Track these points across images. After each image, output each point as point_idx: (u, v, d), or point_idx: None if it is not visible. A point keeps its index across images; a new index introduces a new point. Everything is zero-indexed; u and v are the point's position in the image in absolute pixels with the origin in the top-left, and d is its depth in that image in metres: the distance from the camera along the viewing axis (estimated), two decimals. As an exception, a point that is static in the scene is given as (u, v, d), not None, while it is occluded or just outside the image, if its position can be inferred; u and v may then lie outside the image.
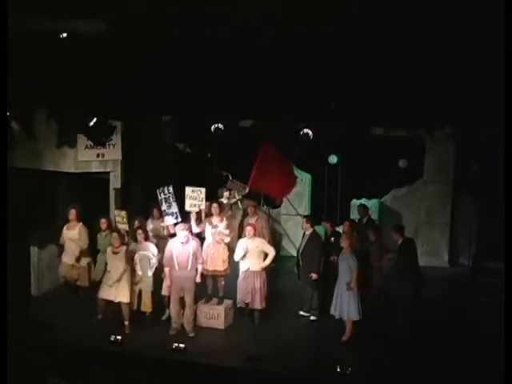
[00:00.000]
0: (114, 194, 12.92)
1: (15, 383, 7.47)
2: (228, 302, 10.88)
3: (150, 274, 10.59)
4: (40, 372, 8.71)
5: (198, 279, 10.40)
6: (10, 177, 7.45)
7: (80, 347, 9.67)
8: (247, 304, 10.76)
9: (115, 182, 13.04)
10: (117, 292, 10.36)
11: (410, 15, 7.88)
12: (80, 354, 9.46)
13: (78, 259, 11.56)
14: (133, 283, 10.52)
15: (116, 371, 9.17)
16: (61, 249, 11.86)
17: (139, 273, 10.57)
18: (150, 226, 11.47)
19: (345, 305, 10.03)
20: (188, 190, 11.19)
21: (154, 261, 10.59)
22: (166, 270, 10.40)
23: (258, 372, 9.04)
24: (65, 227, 11.67)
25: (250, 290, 10.62)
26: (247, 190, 13.58)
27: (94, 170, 12.89)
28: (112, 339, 9.71)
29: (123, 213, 11.55)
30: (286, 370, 9.24)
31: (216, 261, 10.81)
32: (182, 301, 10.38)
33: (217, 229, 10.91)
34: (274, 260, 11.00)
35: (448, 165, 13.78)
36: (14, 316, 7.54)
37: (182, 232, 10.21)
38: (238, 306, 10.85)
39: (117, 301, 10.39)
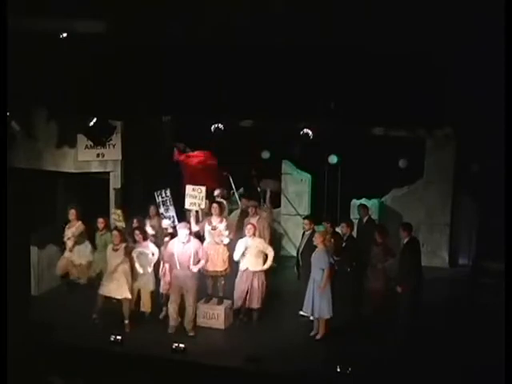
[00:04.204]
0: (114, 194, 12.93)
1: (15, 383, 7.47)
2: (228, 302, 10.87)
3: (150, 270, 10.56)
4: (40, 372, 8.71)
5: (195, 269, 10.27)
6: (10, 177, 7.45)
7: (80, 347, 9.66)
8: (243, 304, 10.70)
9: (115, 182, 13.05)
10: (118, 289, 10.33)
11: (411, 15, 7.88)
12: (80, 354, 9.46)
13: (71, 248, 11.55)
14: (132, 280, 10.49)
15: (116, 371, 9.17)
16: (62, 247, 11.86)
17: (139, 270, 10.51)
18: (147, 225, 11.42)
19: (316, 303, 10.07)
20: (188, 188, 11.22)
21: (151, 256, 10.56)
22: (167, 266, 10.36)
23: (258, 372, 9.05)
24: (67, 226, 11.72)
25: (248, 289, 10.60)
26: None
27: (93, 170, 12.90)
28: (112, 339, 9.74)
29: (118, 211, 11.64)
30: (286, 370, 9.24)
31: (216, 261, 10.81)
32: (181, 300, 10.33)
33: (216, 229, 10.91)
34: (274, 260, 11.01)
35: (448, 165, 13.77)
36: (14, 316, 7.54)
37: (183, 231, 10.16)
38: (235, 307, 10.78)
39: (118, 297, 10.36)
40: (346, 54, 9.15)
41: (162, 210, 11.43)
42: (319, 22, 8.27)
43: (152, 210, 11.63)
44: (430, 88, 9.65)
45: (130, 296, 10.38)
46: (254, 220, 11.62)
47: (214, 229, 10.92)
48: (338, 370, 8.91)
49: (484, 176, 12.41)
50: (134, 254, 10.53)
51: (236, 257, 10.69)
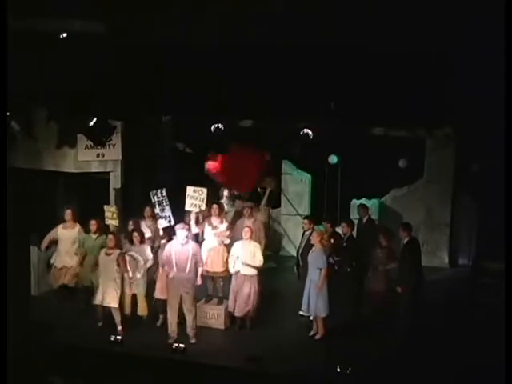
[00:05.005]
0: (114, 194, 12.93)
1: (15, 383, 7.47)
2: (228, 303, 10.86)
3: (139, 276, 10.39)
4: (40, 372, 8.71)
5: (199, 281, 10.26)
6: (10, 177, 7.45)
7: (80, 347, 9.66)
8: (243, 309, 10.52)
9: (115, 182, 13.06)
10: (107, 296, 10.22)
11: (411, 15, 7.88)
12: (80, 354, 9.46)
13: (80, 263, 11.14)
14: (123, 286, 10.33)
15: (116, 371, 9.17)
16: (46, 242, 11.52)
17: (130, 274, 10.36)
18: (143, 225, 11.30)
19: (312, 302, 10.06)
20: (189, 189, 11.12)
21: (142, 264, 10.41)
22: (162, 268, 10.23)
23: (257, 372, 9.05)
24: (60, 226, 11.38)
25: (238, 294, 10.42)
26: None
27: (94, 170, 12.91)
28: (112, 339, 9.73)
29: (113, 208, 11.39)
30: (286, 370, 9.24)
31: (216, 262, 10.79)
32: (180, 306, 10.06)
33: (217, 230, 10.90)
34: (263, 265, 10.83)
35: (448, 165, 13.78)
36: (14, 316, 7.54)
37: (181, 232, 9.98)
38: (236, 313, 10.59)
39: (105, 304, 10.28)
40: (346, 54, 9.15)
41: (157, 210, 11.38)
42: (319, 22, 8.28)
43: (147, 210, 11.50)
44: (430, 88, 9.65)
45: (117, 305, 10.20)
46: (249, 222, 11.42)
47: (215, 229, 10.91)
48: (338, 370, 8.90)
49: (484, 176, 12.41)
50: (127, 257, 10.36)
51: (232, 264, 10.50)
